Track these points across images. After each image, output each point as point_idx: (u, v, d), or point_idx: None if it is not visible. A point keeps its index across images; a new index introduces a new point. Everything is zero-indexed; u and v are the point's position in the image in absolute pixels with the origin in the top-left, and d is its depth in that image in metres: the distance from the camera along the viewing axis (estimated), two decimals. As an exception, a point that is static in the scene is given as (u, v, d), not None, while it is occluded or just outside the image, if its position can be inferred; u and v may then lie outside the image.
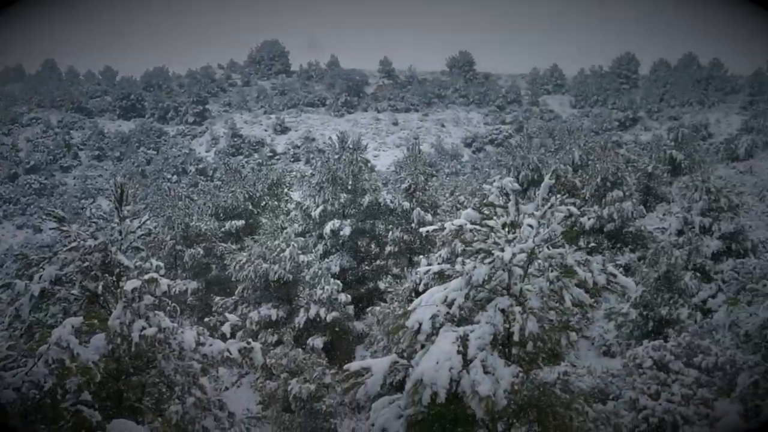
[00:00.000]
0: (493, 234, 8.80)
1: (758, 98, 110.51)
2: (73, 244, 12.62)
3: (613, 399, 17.84)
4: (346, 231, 31.74)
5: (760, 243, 29.24)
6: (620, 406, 16.94)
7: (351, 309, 26.84)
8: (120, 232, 13.12)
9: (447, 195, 43.70)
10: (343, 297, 26.14)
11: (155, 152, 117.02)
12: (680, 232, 29.30)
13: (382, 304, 24.74)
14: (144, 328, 10.27)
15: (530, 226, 8.82)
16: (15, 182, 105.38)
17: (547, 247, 8.92)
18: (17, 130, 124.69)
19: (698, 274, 27.00)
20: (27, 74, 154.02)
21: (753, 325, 9.83)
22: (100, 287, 12.23)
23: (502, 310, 8.38)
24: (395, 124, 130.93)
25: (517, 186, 9.04)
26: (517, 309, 8.28)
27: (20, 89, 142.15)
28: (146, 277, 10.91)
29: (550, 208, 9.01)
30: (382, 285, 31.41)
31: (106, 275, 12.49)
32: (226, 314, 21.34)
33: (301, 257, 26.60)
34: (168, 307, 11.42)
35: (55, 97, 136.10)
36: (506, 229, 8.88)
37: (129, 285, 10.49)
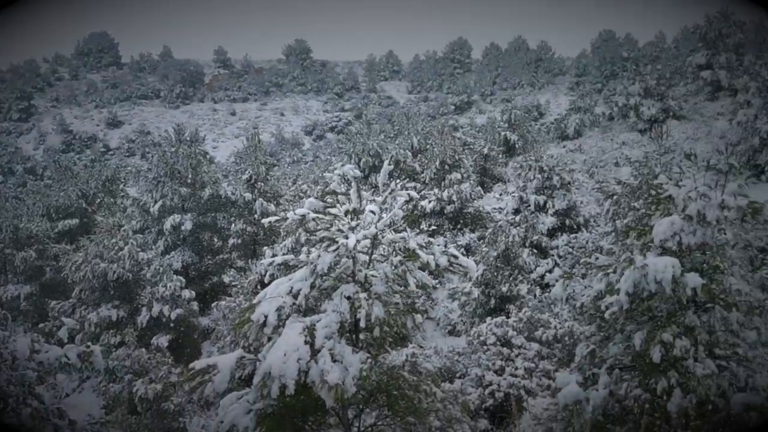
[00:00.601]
0: (336, 222, 8.79)
1: (583, 79, 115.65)
2: None
3: (460, 377, 18.30)
4: (188, 225, 31.03)
5: (591, 218, 30.61)
6: (467, 384, 17.40)
7: (195, 305, 26.30)
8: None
9: (289, 184, 43.57)
10: (187, 293, 25.57)
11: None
12: (517, 211, 30.31)
13: (228, 298, 24.42)
14: (-28, 339, 9.68)
15: (372, 212, 8.86)
16: None
17: (390, 232, 8.98)
18: None
19: (535, 251, 28.07)
20: None
21: (587, 297, 10.23)
22: None
23: (348, 298, 8.39)
24: (233, 114, 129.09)
25: (358, 173, 9.08)
26: (363, 295, 8.31)
27: None
28: (-28, 284, 10.29)
29: (390, 193, 9.08)
30: (226, 279, 30.99)
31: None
32: (63, 318, 20.43)
33: (141, 255, 25.77)
34: (-2, 315, 10.82)
35: None
36: (349, 216, 8.88)
37: (-47, 294, 9.86)
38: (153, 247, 31.17)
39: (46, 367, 10.74)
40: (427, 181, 34.92)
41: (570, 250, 27.62)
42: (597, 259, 10.41)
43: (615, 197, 15.54)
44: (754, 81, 38.74)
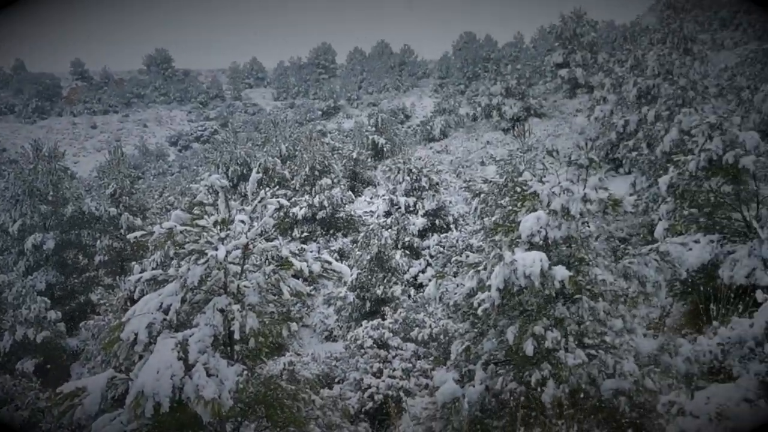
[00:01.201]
0: (205, 233, 8.58)
1: (447, 81, 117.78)
2: None
3: (339, 382, 18.24)
4: (50, 244, 29.82)
5: (460, 217, 31.13)
6: (346, 388, 17.35)
7: (62, 326, 25.29)
8: None
9: (156, 197, 42.57)
10: (53, 314, 24.58)
11: None
12: (387, 213, 30.51)
13: (96, 317, 23.57)
14: None
15: (242, 221, 8.70)
16: None
17: (262, 241, 8.85)
18: None
19: (408, 252, 28.33)
20: None
21: (460, 295, 10.36)
22: None
23: (221, 310, 8.20)
24: (94, 127, 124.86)
25: (225, 182, 8.88)
26: (236, 307, 8.13)
27: None
28: None
29: (260, 201, 8.94)
30: (94, 297, 29.95)
31: None
32: None
33: (1, 277, 24.64)
34: None
35: None
36: (218, 227, 8.69)
37: None
38: (14, 268, 29.83)
39: None
40: (297, 188, 34.77)
41: (441, 249, 28.02)
42: (467, 257, 10.57)
43: (482, 195, 15.77)
44: (608, 78, 40.38)
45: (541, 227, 9.47)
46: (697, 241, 14.91)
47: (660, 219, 16.47)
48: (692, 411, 7.71)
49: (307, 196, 33.71)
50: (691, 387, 9.30)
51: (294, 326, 8.85)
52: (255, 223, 8.77)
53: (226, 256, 8.24)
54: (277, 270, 8.74)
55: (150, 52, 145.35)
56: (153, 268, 19.21)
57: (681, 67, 34.39)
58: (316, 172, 34.21)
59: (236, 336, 8.02)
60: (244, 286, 8.57)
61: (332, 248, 31.50)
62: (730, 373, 9.23)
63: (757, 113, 28.29)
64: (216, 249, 8.24)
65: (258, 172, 9.28)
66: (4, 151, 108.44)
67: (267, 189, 8.46)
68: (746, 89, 31.12)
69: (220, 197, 8.67)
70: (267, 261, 8.91)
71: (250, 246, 8.55)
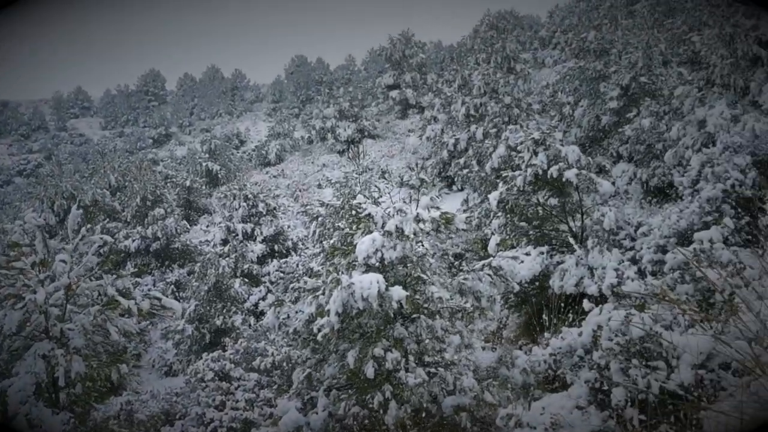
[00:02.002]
0: (22, 276, 8.03)
1: (280, 105, 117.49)
2: None
3: (180, 418, 17.63)
4: None
5: (300, 241, 30.96)
6: (188, 424, 16.77)
7: None
8: None
9: (-25, 236, 40.03)
10: None
11: None
12: (225, 241, 29.95)
13: None
14: None
15: (63, 261, 8.21)
16: None
17: (87, 280, 8.39)
18: None
19: (247, 280, 27.87)
20: None
21: (299, 322, 10.19)
22: None
23: (43, 356, 7.69)
24: None
25: (41, 221, 8.37)
26: (60, 352, 7.65)
27: None
28: None
29: (82, 239, 8.48)
30: None
31: None
32: None
33: None
34: None
35: None
36: (37, 269, 8.16)
37: None
38: None
39: None
40: (129, 220, 33.65)
41: (281, 275, 27.75)
42: (306, 282, 10.42)
43: (320, 219, 15.70)
44: (437, 98, 41.40)
45: (376, 249, 9.46)
46: (528, 254, 15.38)
47: (492, 234, 16.91)
48: (529, 422, 7.83)
49: (139, 228, 32.65)
50: (528, 398, 9.48)
51: (124, 368, 8.43)
52: (78, 262, 8.31)
53: (47, 298, 7.74)
54: (103, 310, 8.30)
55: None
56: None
57: (505, 86, 35.67)
58: (148, 203, 33.20)
59: (61, 382, 7.55)
60: (68, 329, 8.08)
61: (168, 280, 30.59)
62: (564, 382, 9.47)
63: (578, 127, 29.66)
64: (35, 292, 7.73)
65: (79, 208, 8.79)
66: None
67: (88, 225, 8.01)
68: (567, 105, 32.56)
69: (37, 237, 8.15)
70: (92, 301, 8.45)
71: (73, 286, 8.08)
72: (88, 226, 8.57)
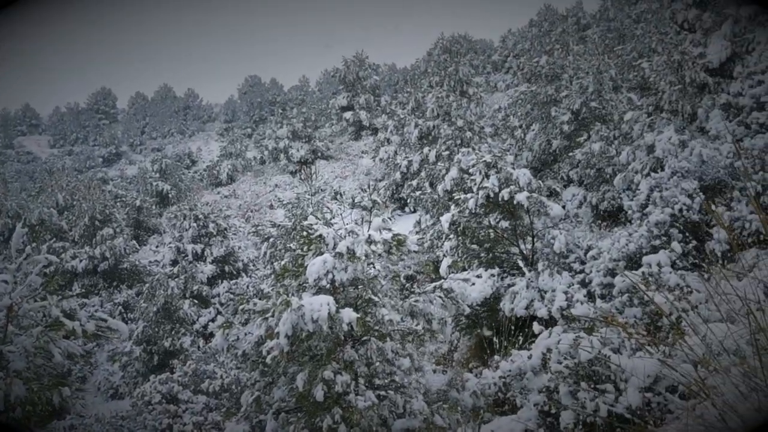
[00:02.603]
0: (-39, 296, 7.82)
1: (233, 125, 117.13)
2: None
3: (123, 442, 17.34)
4: None
5: (251, 262, 30.77)
6: (131, 449, 16.53)
7: None
8: None
9: None
10: None
11: None
12: (174, 262, 29.64)
13: None
14: None
15: (5, 281, 8.01)
16: None
17: (29, 301, 8.18)
18: None
19: (196, 301, 27.57)
20: None
21: (249, 344, 10.08)
22: None
23: (-18, 379, 7.48)
24: None
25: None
26: None
27: None
28: None
29: (26, 258, 8.28)
30: None
31: None
32: None
33: None
34: None
35: None
36: (-23, 289, 7.95)
37: None
38: None
39: None
40: (76, 239, 33.12)
41: (231, 296, 27.52)
42: (255, 304, 10.31)
43: (271, 240, 15.59)
44: (391, 119, 41.56)
45: (327, 270, 9.40)
46: (479, 276, 15.41)
47: (444, 256, 16.93)
48: (480, 446, 7.82)
49: (87, 248, 32.16)
50: (478, 421, 9.47)
51: (67, 391, 8.21)
52: (21, 283, 8.10)
53: (-10, 320, 7.54)
54: (46, 332, 8.09)
55: None
56: None
57: (458, 109, 35.93)
58: (97, 222, 32.76)
59: (0, 407, 7.33)
60: (9, 351, 7.86)
61: (116, 301, 30.16)
62: (513, 404, 9.47)
63: (529, 151, 29.96)
64: (-26, 312, 7.52)
65: (24, 227, 8.59)
66: None
67: (34, 244, 7.86)
68: (519, 128, 32.91)
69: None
70: (36, 322, 8.24)
71: (15, 307, 7.87)
72: (34, 245, 8.37)
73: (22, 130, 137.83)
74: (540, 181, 16.10)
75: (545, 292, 13.95)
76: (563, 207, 18.97)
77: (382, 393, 9.44)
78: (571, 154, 26.41)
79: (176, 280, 26.54)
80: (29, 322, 8.33)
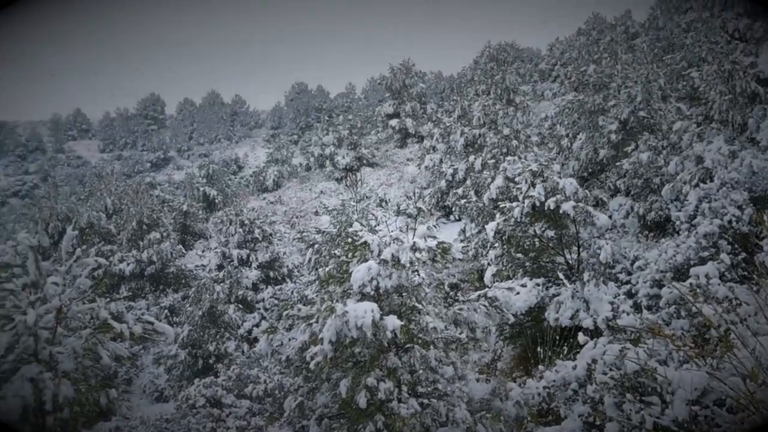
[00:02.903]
0: (12, 297, 7.94)
1: (279, 131, 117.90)
2: None
3: (170, 445, 17.48)
4: None
5: (295, 268, 30.90)
6: (178, 451, 16.66)
7: None
8: None
9: (-32, 258, 39.84)
10: None
11: None
12: (220, 267, 29.89)
13: None
14: None
15: (55, 283, 8.13)
16: None
17: (78, 303, 8.30)
18: None
19: (241, 306, 27.75)
20: None
21: (293, 349, 10.12)
22: None
23: (31, 379, 7.58)
24: None
25: (34, 242, 8.28)
26: (48, 375, 7.55)
27: None
28: None
29: (75, 261, 8.40)
30: None
31: None
32: None
33: None
34: None
35: None
36: (28, 290, 8.07)
37: None
38: None
39: None
40: (124, 243, 33.55)
41: (276, 302, 27.66)
42: (300, 310, 10.35)
43: (316, 246, 15.72)
44: (437, 127, 41.51)
45: (372, 277, 9.41)
46: (523, 285, 15.31)
47: (488, 264, 16.86)
48: (523, 456, 7.76)
49: (134, 251, 32.56)
50: (521, 431, 9.40)
51: (114, 392, 8.31)
52: (71, 285, 8.22)
53: (37, 320, 7.64)
54: (94, 333, 8.20)
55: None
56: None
57: (505, 117, 35.79)
58: (144, 226, 33.15)
59: (48, 407, 7.44)
60: (58, 353, 7.97)
61: (162, 305, 30.47)
62: (557, 415, 9.39)
63: (576, 160, 29.70)
64: (25, 313, 7.64)
65: (75, 229, 8.72)
66: None
67: (84, 247, 8.02)
68: (565, 137, 32.65)
69: (29, 258, 8.07)
70: (84, 324, 8.35)
71: (64, 309, 7.99)
72: (84, 247, 8.49)
73: (72, 134, 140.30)
74: (586, 191, 15.93)
75: (591, 303, 13.82)
76: (610, 217, 18.82)
77: (425, 401, 9.42)
78: (618, 163, 26.13)
79: (222, 284, 26.74)
80: (77, 324, 8.45)
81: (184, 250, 35.96)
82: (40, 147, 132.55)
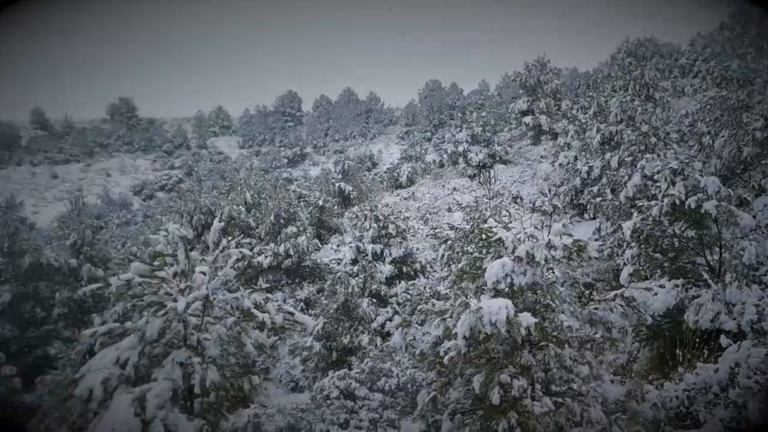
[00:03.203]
0: (164, 285, 8.38)
1: (413, 128, 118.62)
2: None
3: (304, 434, 17.92)
4: (6, 298, 29.25)
5: (428, 263, 31.02)
6: (313, 440, 17.05)
7: (18, 382, 24.64)
8: None
9: (119, 247, 41.99)
10: (8, 370, 23.97)
11: None
12: (354, 261, 30.30)
13: (54, 371, 23.07)
14: None
15: (203, 272, 8.52)
16: None
17: (223, 292, 8.67)
18: None
19: (375, 300, 28.08)
20: None
21: (426, 344, 10.25)
22: None
23: (181, 363, 7.98)
24: (55, 177, 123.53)
25: (184, 232, 8.71)
26: (196, 360, 7.92)
27: None
28: None
29: (222, 251, 8.78)
30: (52, 351, 29.29)
31: None
32: None
33: (-47, 332, 24.11)
34: None
35: None
36: (178, 279, 8.50)
37: None
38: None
39: None
40: (262, 236, 34.53)
41: (408, 297, 27.84)
42: (434, 305, 10.45)
43: (449, 242, 15.74)
44: (572, 124, 40.81)
45: (506, 274, 9.42)
46: (662, 286, 14.93)
47: (625, 264, 16.51)
48: (661, 460, 7.62)
49: (272, 245, 33.46)
50: (659, 434, 9.22)
51: (256, 379, 8.65)
52: (217, 274, 8.60)
53: (186, 307, 8.04)
54: (238, 322, 8.55)
55: (113, 101, 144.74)
56: (114, 321, 18.86)
57: (643, 114, 34.81)
58: (282, 220, 34.03)
59: (196, 390, 7.81)
60: (205, 339, 8.37)
61: (298, 297, 31.23)
62: (696, 419, 9.16)
63: (718, 158, 28.62)
64: (175, 301, 8.05)
65: (221, 222, 9.12)
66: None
67: (229, 238, 8.39)
68: (707, 135, 31.49)
69: (179, 248, 8.49)
70: (228, 313, 8.72)
71: (211, 297, 8.37)
72: (228, 239, 8.88)
73: (214, 131, 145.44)
74: (729, 190, 15.38)
75: (733, 305, 13.35)
76: (754, 217, 18.08)
77: (559, 400, 9.37)
78: (763, 162, 25.05)
79: (356, 278, 27.15)
80: (222, 313, 8.83)
81: (319, 244, 36.72)
82: (185, 143, 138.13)
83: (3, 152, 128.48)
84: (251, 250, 32.93)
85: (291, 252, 32.84)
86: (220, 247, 8.83)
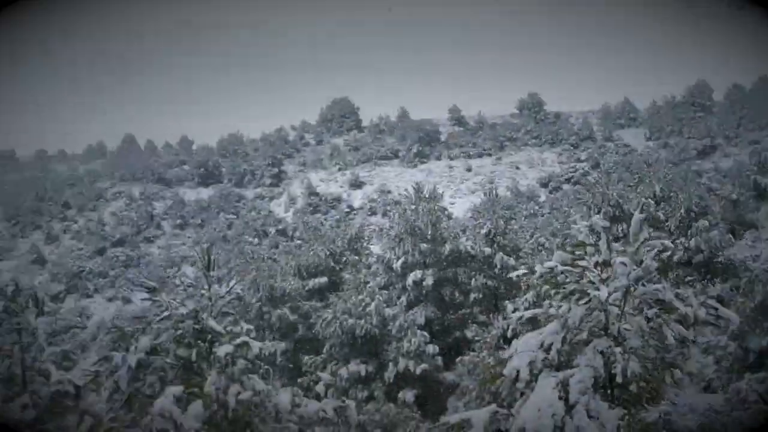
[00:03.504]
0: (586, 274, 8.59)
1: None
2: (165, 314, 12.57)
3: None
4: (429, 281, 31.41)
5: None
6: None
7: (440, 360, 26.48)
8: (209, 298, 13.03)
9: (527, 237, 43.10)
10: (431, 348, 25.85)
11: (235, 216, 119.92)
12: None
13: (471, 353, 24.37)
14: (239, 393, 10.27)
15: (623, 263, 8.58)
16: (103, 256, 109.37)
17: (642, 284, 8.66)
18: (102, 205, 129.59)
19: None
20: (108, 150, 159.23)
21: None
22: (193, 354, 12.13)
23: (602, 352, 8.13)
24: (469, 170, 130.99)
25: (606, 223, 8.85)
26: (618, 350, 8.02)
27: (102, 165, 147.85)
28: (238, 341, 10.94)
29: (642, 243, 8.79)
30: (469, 333, 30.91)
31: (199, 342, 12.39)
32: (319, 373, 21.26)
33: (387, 310, 26.44)
34: (261, 370, 11.41)
35: (136, 170, 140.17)
36: (599, 269, 8.66)
37: (222, 350, 10.54)
38: (396, 302, 31.65)
39: (306, 420, 11.16)
40: (672, 230, 33.48)
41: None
42: None
43: None
44: None
45: None
46: None
47: None
48: None
49: (682, 239, 32.32)
50: None
51: (678, 373, 8.55)
52: (635, 266, 8.61)
53: (608, 297, 8.17)
54: (659, 314, 8.49)
55: (522, 97, 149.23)
56: (526, 308, 19.50)
57: None
58: (693, 214, 32.73)
59: (618, 379, 7.92)
60: (625, 329, 8.44)
61: (709, 294, 29.84)
62: None
63: None
64: (597, 290, 8.21)
65: (641, 213, 9.11)
66: (389, 193, 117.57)
67: (651, 230, 8.37)
68: None
69: (602, 238, 8.65)
70: (648, 304, 8.69)
71: (631, 289, 8.41)
72: (650, 231, 8.86)
73: (620, 123, 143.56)
74: None
75: None
76: None
77: None
78: None
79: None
80: (642, 304, 8.82)
81: (733, 240, 34.74)
82: (590, 136, 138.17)
83: (425, 148, 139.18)
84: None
85: (702, 247, 31.48)
86: (641, 239, 8.82)
